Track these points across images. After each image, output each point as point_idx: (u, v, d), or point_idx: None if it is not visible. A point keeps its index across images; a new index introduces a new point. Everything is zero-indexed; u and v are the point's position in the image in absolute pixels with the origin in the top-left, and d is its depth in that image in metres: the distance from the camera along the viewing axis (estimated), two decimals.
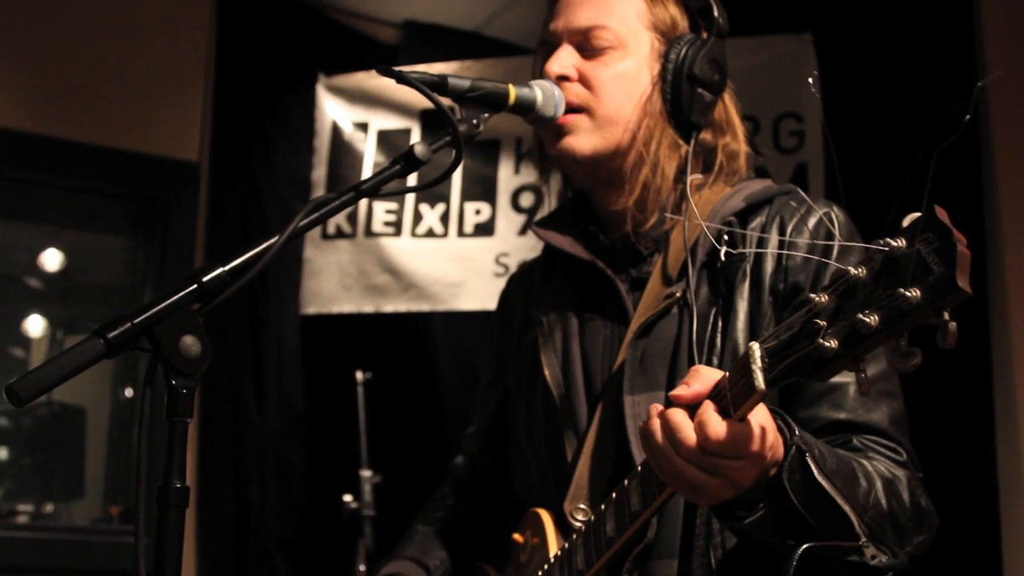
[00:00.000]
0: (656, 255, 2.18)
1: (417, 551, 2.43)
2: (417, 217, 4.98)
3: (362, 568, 4.18)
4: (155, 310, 1.66)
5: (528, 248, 4.47)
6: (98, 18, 5.11)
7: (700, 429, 1.58)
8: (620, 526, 1.87)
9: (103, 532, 4.95)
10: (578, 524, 2.05)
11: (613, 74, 2.17)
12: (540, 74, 2.18)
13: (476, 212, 4.96)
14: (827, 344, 1.40)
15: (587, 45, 2.18)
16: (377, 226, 4.99)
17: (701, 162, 2.23)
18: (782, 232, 2.07)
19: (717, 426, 1.57)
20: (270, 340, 5.08)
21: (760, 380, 1.50)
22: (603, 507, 1.93)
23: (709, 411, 1.59)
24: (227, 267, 1.73)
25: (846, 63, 4.38)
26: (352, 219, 5.01)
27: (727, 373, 1.60)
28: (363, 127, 5.14)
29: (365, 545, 4.19)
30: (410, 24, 5.49)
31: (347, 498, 4.27)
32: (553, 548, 2.09)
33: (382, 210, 5.00)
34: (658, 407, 1.67)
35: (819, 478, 1.69)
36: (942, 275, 1.27)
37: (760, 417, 1.62)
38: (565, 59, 2.17)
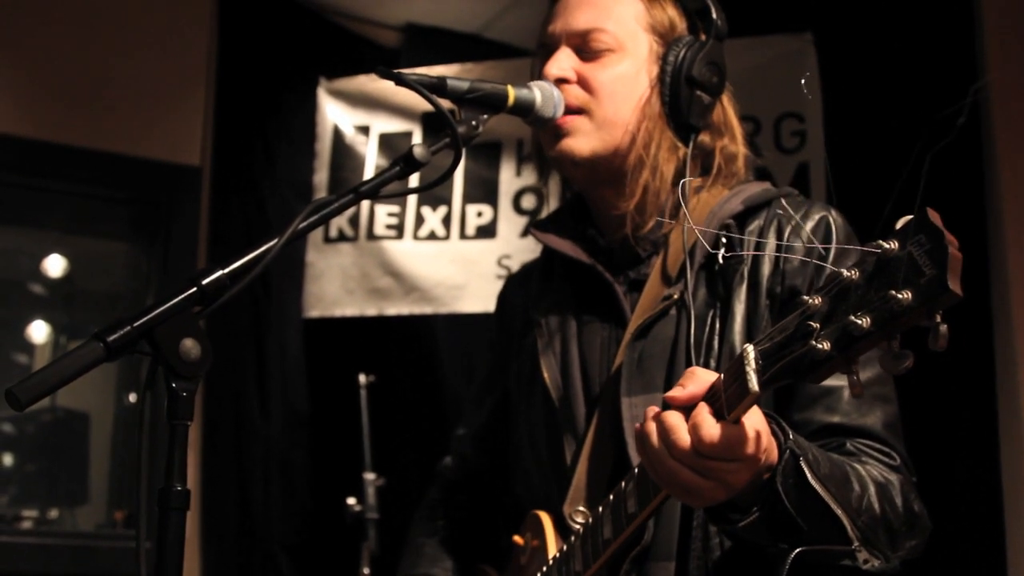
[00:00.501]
0: (654, 257, 2.19)
1: (428, 565, 2.44)
2: (419, 220, 4.99)
3: (366, 571, 4.18)
4: (155, 313, 1.66)
5: (530, 250, 4.46)
6: (99, 23, 5.12)
7: (694, 431, 1.58)
8: (617, 528, 1.87)
9: (107, 537, 4.97)
10: (577, 526, 2.06)
11: (612, 76, 2.17)
12: (539, 77, 2.18)
13: (478, 214, 4.96)
14: (820, 346, 1.40)
15: (585, 48, 2.19)
16: (379, 229, 5.00)
17: (699, 164, 2.23)
18: (780, 235, 2.08)
19: (711, 428, 1.58)
20: (273, 344, 5.08)
21: (754, 382, 1.50)
22: (600, 509, 1.93)
23: (703, 413, 1.59)
24: (227, 270, 1.73)
25: (847, 63, 4.38)
26: (354, 222, 5.02)
27: (722, 375, 1.61)
28: (364, 130, 5.15)
29: (369, 548, 4.19)
30: (411, 27, 5.49)
31: (351, 501, 4.27)
32: (552, 550, 2.10)
33: (384, 213, 5.00)
34: (654, 409, 1.68)
35: (812, 482, 1.70)
36: (933, 277, 1.28)
37: (754, 420, 1.62)
38: (564, 61, 2.18)
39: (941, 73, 4.22)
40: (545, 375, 2.22)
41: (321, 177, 5.11)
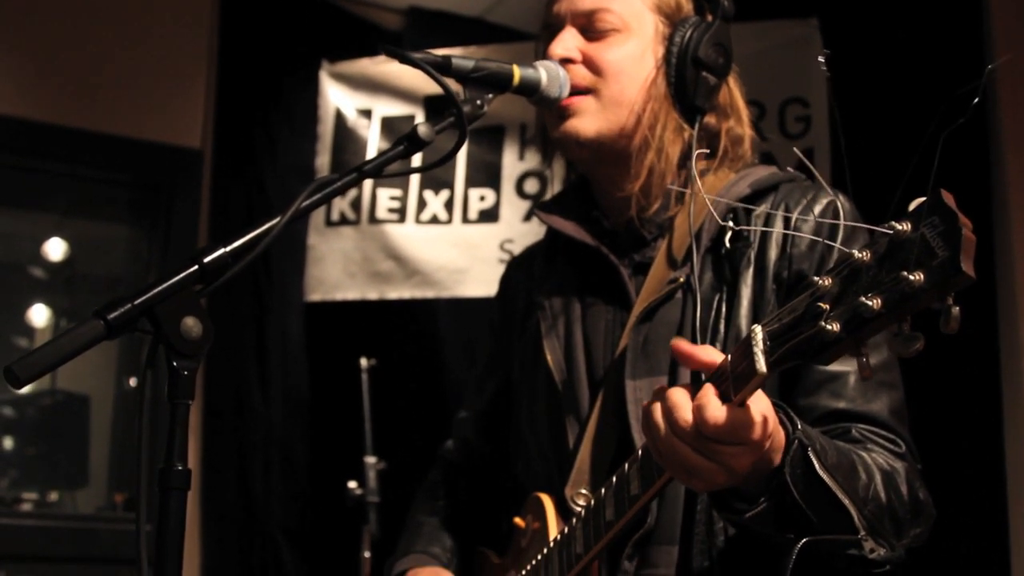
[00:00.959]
0: (660, 240, 2.17)
1: (426, 544, 2.42)
2: (421, 203, 4.97)
3: (367, 555, 4.16)
4: (156, 291, 1.65)
5: (533, 235, 4.45)
6: (100, 5, 5.10)
7: (698, 412, 1.57)
8: (619, 510, 1.86)
9: (107, 520, 4.97)
10: (579, 509, 2.04)
11: (618, 56, 2.15)
12: (543, 57, 2.15)
13: (480, 198, 4.95)
14: (829, 327, 1.38)
15: (591, 27, 2.16)
16: (381, 213, 4.98)
17: (705, 147, 2.21)
18: (787, 220, 2.06)
19: (716, 410, 1.56)
20: (274, 328, 5.07)
21: (761, 363, 1.49)
22: (603, 492, 1.92)
23: (709, 394, 1.58)
24: (229, 248, 1.71)
25: (852, 48, 4.36)
26: (356, 206, 5.01)
27: (729, 356, 1.59)
28: (367, 114, 5.13)
29: (370, 532, 4.18)
30: (414, 10, 5.47)
31: (351, 485, 4.26)
32: (553, 532, 2.09)
33: (386, 197, 4.99)
34: (661, 383, 1.65)
35: (820, 473, 1.68)
36: (946, 259, 1.26)
37: (761, 405, 1.60)
38: (569, 41, 2.16)
39: (948, 58, 4.20)
40: (548, 358, 2.20)
41: (323, 160, 5.10)
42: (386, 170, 1.85)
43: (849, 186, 1.78)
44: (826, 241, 1.98)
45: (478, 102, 1.88)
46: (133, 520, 1.63)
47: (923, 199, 1.32)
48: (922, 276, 1.28)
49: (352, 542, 4.24)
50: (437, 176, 4.95)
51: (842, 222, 1.97)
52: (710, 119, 2.20)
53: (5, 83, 4.86)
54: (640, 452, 1.81)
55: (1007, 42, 4.27)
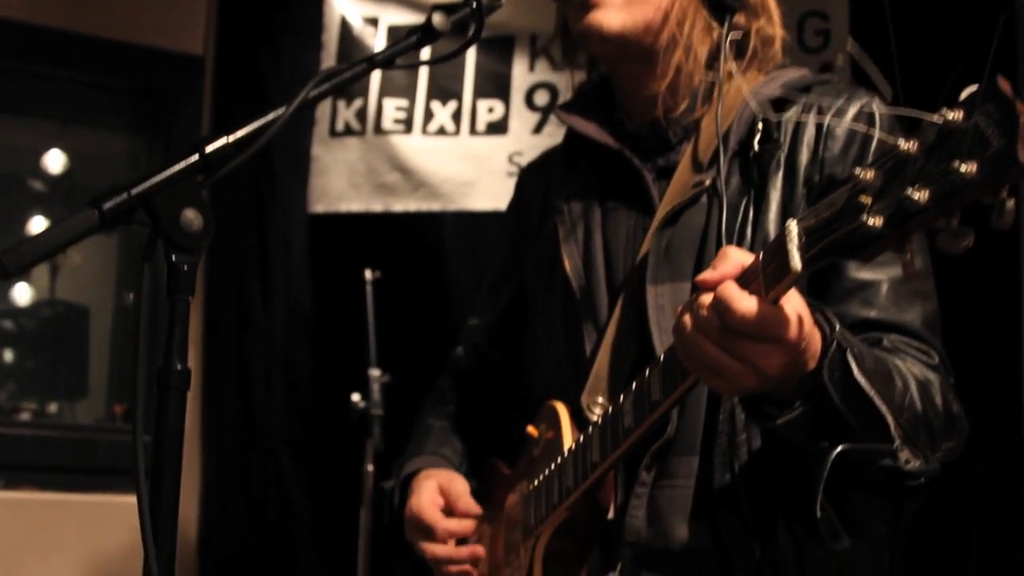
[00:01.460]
0: (684, 144, 2.09)
1: (436, 445, 2.39)
2: (428, 115, 4.86)
3: (370, 468, 4.13)
4: (154, 181, 1.58)
5: (542, 147, 4.27)
6: None
7: (726, 304, 1.48)
8: (639, 417, 1.79)
9: (107, 431, 4.94)
10: (595, 417, 1.98)
11: None
12: None
13: (489, 110, 4.83)
14: (871, 222, 1.30)
15: None
16: (387, 123, 4.87)
17: (734, 47, 2.10)
18: (819, 122, 1.97)
19: (744, 301, 1.47)
20: (276, 238, 5.01)
21: (796, 260, 1.40)
22: (621, 398, 1.85)
23: (735, 287, 1.49)
24: (232, 138, 1.66)
25: None
26: (361, 116, 4.90)
27: (759, 255, 1.50)
28: (373, 22, 4.99)
29: (373, 445, 4.14)
30: None
31: (355, 398, 4.21)
32: (568, 442, 2.02)
33: (392, 107, 4.88)
34: (684, 290, 1.58)
35: (858, 377, 1.61)
36: (1001, 148, 1.18)
37: (796, 304, 1.52)
38: None
39: None
40: (566, 263, 2.13)
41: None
42: (397, 61, 1.77)
43: (898, 79, 1.70)
44: (872, 133, 1.90)
45: None
46: (132, 431, 1.56)
47: (976, 86, 1.23)
48: (974, 167, 1.19)
49: (355, 456, 4.21)
50: (444, 87, 4.85)
51: (876, 132, 1.91)
52: (740, 18, 2.10)
53: None
54: (662, 357, 1.74)
55: None
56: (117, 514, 4.33)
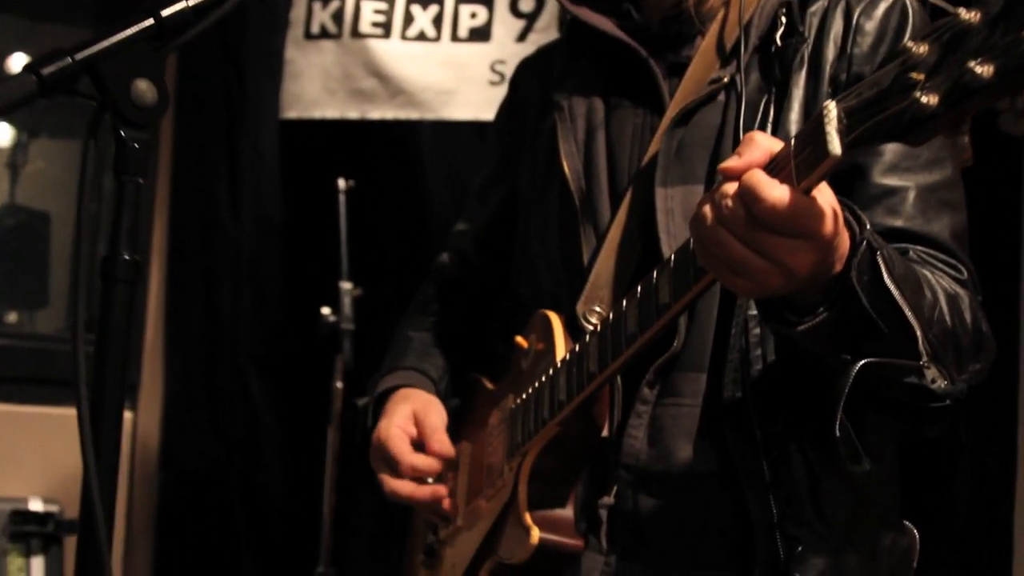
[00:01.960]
0: (699, 39, 1.91)
1: (416, 360, 2.22)
2: (408, 18, 4.68)
3: (339, 384, 4.03)
4: (102, 46, 1.40)
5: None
6: None
7: (754, 193, 1.32)
8: (644, 322, 1.62)
9: (67, 341, 4.69)
10: (592, 327, 1.83)
11: None
12: None
13: (472, 15, 4.66)
14: (924, 100, 1.13)
15: None
16: (364, 27, 4.69)
17: None
18: (847, 16, 1.80)
19: (775, 190, 1.31)
20: (246, 144, 4.82)
21: (836, 144, 1.23)
22: (624, 303, 1.68)
23: (764, 175, 1.33)
24: (192, 1, 1.47)
25: None
26: (338, 18, 4.72)
27: (790, 141, 1.34)
28: None
29: (343, 360, 4.04)
30: None
31: (325, 311, 4.10)
32: (561, 352, 1.86)
33: (370, 10, 4.70)
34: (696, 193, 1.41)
35: (888, 283, 1.45)
36: None
37: (829, 197, 1.36)
38: None
39: None
40: (564, 163, 1.96)
41: None
42: None
43: None
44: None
45: None
46: (94, 341, 1.42)
47: None
48: None
49: (324, 371, 4.11)
50: None
51: (909, 29, 1.76)
52: None
53: None
54: (673, 257, 1.57)
55: None
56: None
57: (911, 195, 1.73)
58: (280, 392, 4.73)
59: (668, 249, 1.76)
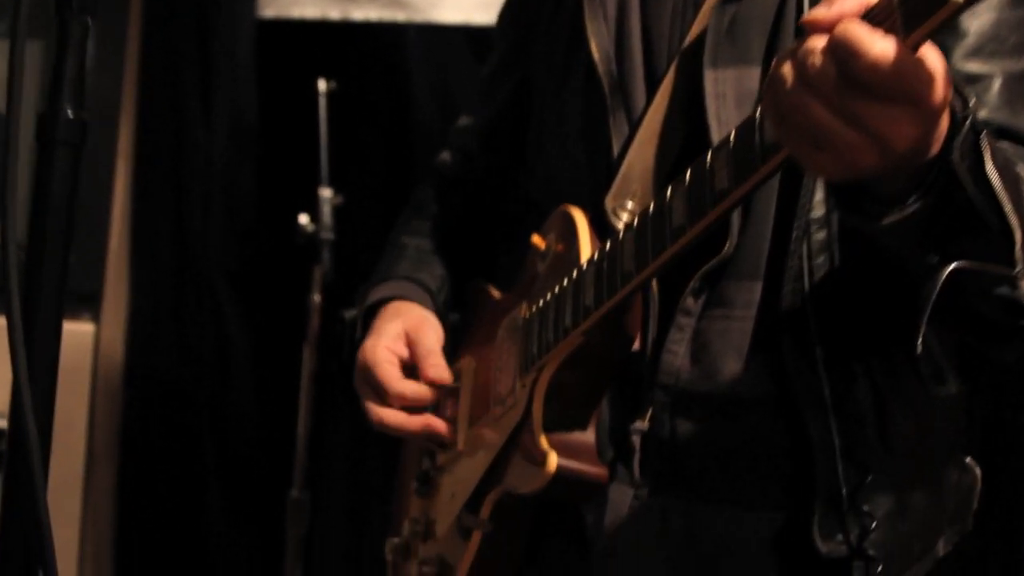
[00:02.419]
0: None
1: (411, 268, 2.00)
2: None
3: (317, 298, 3.80)
4: None
5: None
6: None
7: (852, 47, 1.07)
8: (695, 212, 1.38)
9: (20, 247, 4.51)
10: (623, 224, 1.60)
11: None
12: None
13: None
14: None
15: None
16: None
17: None
18: None
19: (878, 44, 1.06)
20: (220, 45, 4.53)
21: None
22: (668, 192, 1.44)
23: (863, 25, 1.08)
24: None
25: None
26: None
27: None
28: None
29: (322, 272, 3.81)
30: None
31: (303, 220, 3.86)
32: (587, 252, 1.63)
33: None
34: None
35: (990, 172, 1.22)
36: None
37: (937, 59, 1.10)
38: None
39: None
40: (592, 44, 1.72)
41: None
42: None
43: None
44: None
45: None
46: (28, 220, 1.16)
47: None
48: None
49: (301, 284, 3.90)
50: None
51: None
52: None
53: None
54: (732, 136, 1.32)
55: None
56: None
57: (996, 83, 1.50)
58: (252, 307, 4.52)
59: (719, 138, 1.50)
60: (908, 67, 1.07)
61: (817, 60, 1.09)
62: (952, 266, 1.27)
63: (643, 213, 1.49)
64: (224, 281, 4.50)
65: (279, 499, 3.86)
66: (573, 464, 1.58)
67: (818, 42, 1.10)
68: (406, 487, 2.02)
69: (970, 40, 1.49)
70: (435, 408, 1.83)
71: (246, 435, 4.42)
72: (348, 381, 1.95)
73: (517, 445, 1.66)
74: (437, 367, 1.82)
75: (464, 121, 2.14)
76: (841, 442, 1.50)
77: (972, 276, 1.30)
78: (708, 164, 1.36)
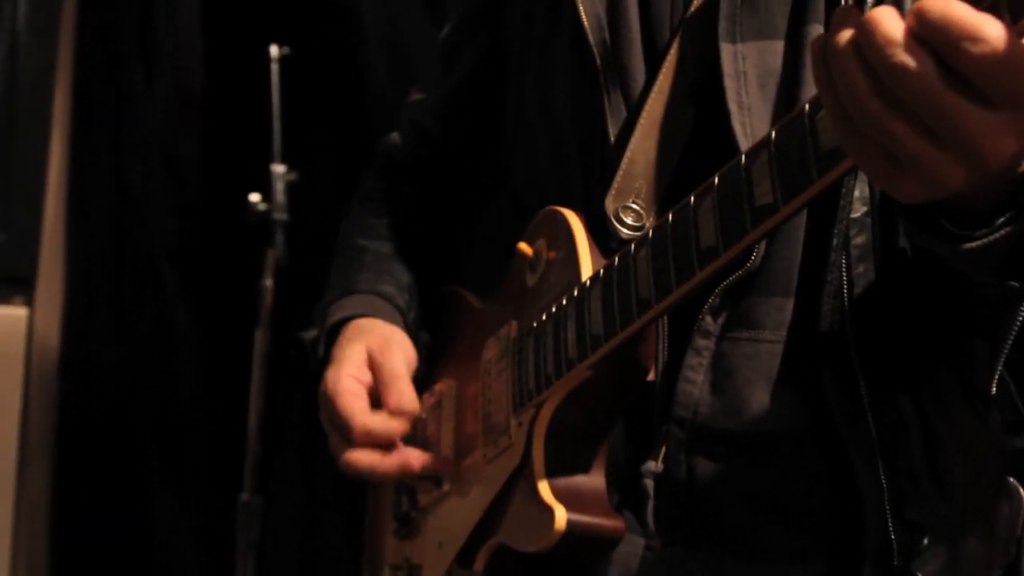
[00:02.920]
0: None
1: (372, 279, 1.79)
2: None
3: (268, 283, 3.63)
4: None
5: None
6: None
7: (957, 30, 0.86)
8: (731, 230, 1.16)
9: None
10: (628, 232, 1.40)
11: None
12: None
13: None
14: None
15: None
16: None
17: None
18: None
19: (986, 25, 0.85)
20: (162, 6, 4.40)
21: None
22: (692, 202, 1.22)
23: (964, 5, 0.87)
24: None
25: None
26: None
27: None
28: None
29: (274, 255, 3.64)
30: None
31: (254, 198, 3.69)
32: (587, 266, 1.41)
33: None
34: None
35: None
36: None
37: None
38: None
39: None
40: (581, 9, 1.51)
41: None
42: None
43: None
44: None
45: None
46: None
47: None
48: None
49: (252, 268, 3.71)
50: None
51: None
52: None
53: None
54: (773, 136, 1.10)
55: None
56: None
57: None
58: (197, 291, 4.38)
59: (740, 126, 1.35)
60: (1019, 55, 0.86)
61: (906, 58, 0.88)
62: None
63: (660, 227, 1.28)
64: (167, 263, 4.38)
65: (229, 500, 3.69)
66: (584, 518, 1.36)
67: (890, 29, 0.89)
68: (381, 525, 1.81)
69: None
70: (412, 438, 1.60)
71: (192, 429, 4.28)
72: (308, 386, 1.76)
73: (514, 493, 1.45)
74: (401, 394, 1.59)
75: (417, 95, 1.94)
76: (891, 492, 1.31)
77: None
78: (744, 172, 1.15)
